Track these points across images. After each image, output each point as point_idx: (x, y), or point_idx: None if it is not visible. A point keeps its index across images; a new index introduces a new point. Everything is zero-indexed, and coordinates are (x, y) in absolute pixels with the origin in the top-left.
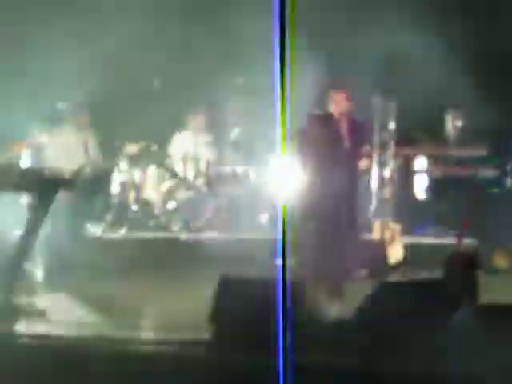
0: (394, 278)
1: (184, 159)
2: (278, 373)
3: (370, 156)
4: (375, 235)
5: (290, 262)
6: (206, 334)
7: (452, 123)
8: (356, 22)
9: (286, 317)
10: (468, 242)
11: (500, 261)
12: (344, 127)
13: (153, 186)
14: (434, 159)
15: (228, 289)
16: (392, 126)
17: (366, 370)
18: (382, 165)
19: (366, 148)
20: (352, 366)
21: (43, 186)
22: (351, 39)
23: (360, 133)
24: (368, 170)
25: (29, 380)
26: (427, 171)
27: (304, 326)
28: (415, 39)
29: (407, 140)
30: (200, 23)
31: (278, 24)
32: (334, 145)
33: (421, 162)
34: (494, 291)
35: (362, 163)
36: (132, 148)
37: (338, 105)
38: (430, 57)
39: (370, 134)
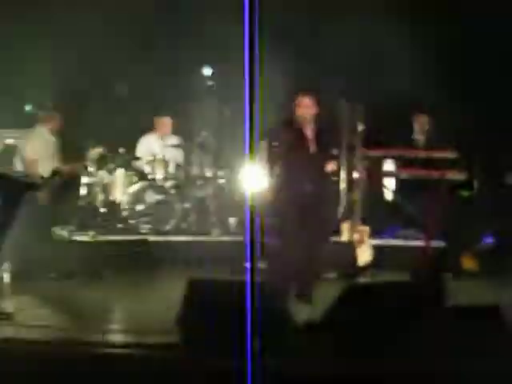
0: (362, 279)
1: (152, 162)
2: (247, 375)
3: (337, 159)
4: (344, 237)
5: (258, 264)
6: (173, 337)
7: (421, 125)
8: (322, 23)
9: (254, 319)
10: (436, 244)
11: (467, 263)
12: (309, 132)
13: (121, 188)
14: (402, 161)
15: (196, 291)
16: (360, 128)
17: (334, 371)
18: (350, 167)
19: (333, 152)
20: (321, 367)
21: (11, 188)
22: (318, 41)
23: (326, 137)
24: (336, 173)
25: None
26: (395, 173)
27: (273, 328)
28: (382, 40)
29: (375, 142)
30: (168, 23)
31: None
32: (299, 149)
33: (389, 165)
34: (462, 293)
35: (329, 167)
36: (96, 151)
37: (302, 109)
38: (398, 58)
39: (338, 137)
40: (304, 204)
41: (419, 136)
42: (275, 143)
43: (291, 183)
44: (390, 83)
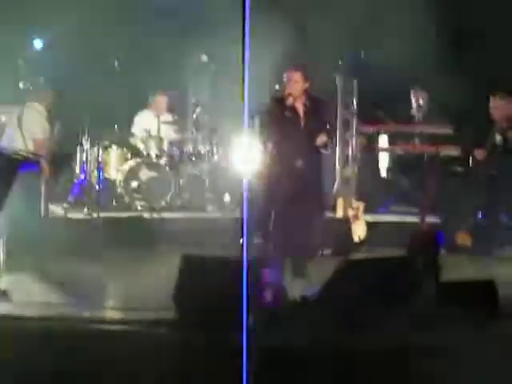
0: (357, 255)
1: (146, 139)
2: (242, 351)
3: (330, 134)
4: (339, 213)
5: (253, 240)
6: (169, 313)
7: (415, 100)
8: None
9: (249, 295)
10: (431, 219)
11: (462, 238)
12: (300, 107)
13: (115, 165)
14: (397, 137)
15: (191, 268)
16: (354, 103)
17: (329, 347)
18: (344, 143)
19: (326, 127)
20: (316, 343)
21: (4, 165)
22: (314, 15)
23: (318, 112)
24: (330, 149)
25: None
26: (390, 149)
27: (267, 304)
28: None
29: (370, 118)
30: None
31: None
32: (289, 125)
33: (384, 140)
34: (456, 268)
35: (321, 141)
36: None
37: (292, 84)
38: (395, 32)
39: (331, 112)
40: (296, 179)
41: (416, 112)
42: (267, 119)
43: (283, 158)
44: (386, 58)
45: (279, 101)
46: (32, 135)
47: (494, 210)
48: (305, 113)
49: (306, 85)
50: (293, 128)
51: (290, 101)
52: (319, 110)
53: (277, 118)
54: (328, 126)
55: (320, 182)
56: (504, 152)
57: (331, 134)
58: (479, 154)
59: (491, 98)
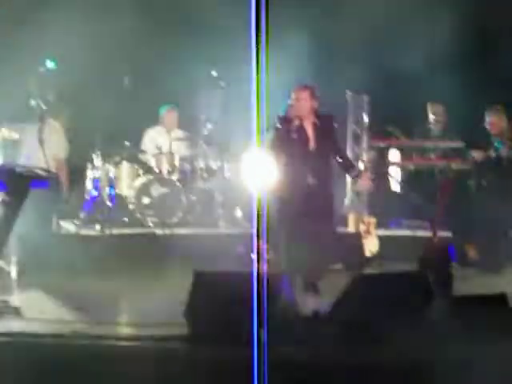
0: (369, 270)
1: (158, 155)
2: (253, 365)
3: (340, 151)
4: (350, 228)
5: (265, 255)
6: (181, 329)
7: (431, 114)
8: (331, 15)
9: (261, 311)
10: (443, 233)
11: (472, 252)
12: (308, 126)
13: (127, 181)
14: (408, 152)
15: (203, 284)
16: (365, 119)
17: (342, 361)
18: (355, 158)
19: (336, 143)
20: (327, 358)
21: (16, 183)
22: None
23: (327, 130)
24: (341, 166)
25: (3, 378)
26: (402, 163)
27: (280, 320)
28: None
29: (381, 133)
30: (172, 18)
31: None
32: (300, 145)
33: (395, 155)
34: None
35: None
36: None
37: (301, 104)
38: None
39: (340, 128)
40: (307, 196)
41: (433, 125)
42: (275, 140)
43: (293, 177)
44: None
45: (286, 120)
46: (54, 154)
47: (497, 223)
48: (314, 131)
49: (315, 103)
50: (302, 148)
51: (297, 122)
52: (328, 127)
53: (284, 139)
54: (338, 144)
55: (331, 198)
56: (498, 166)
57: (343, 152)
58: (477, 155)
59: (486, 113)
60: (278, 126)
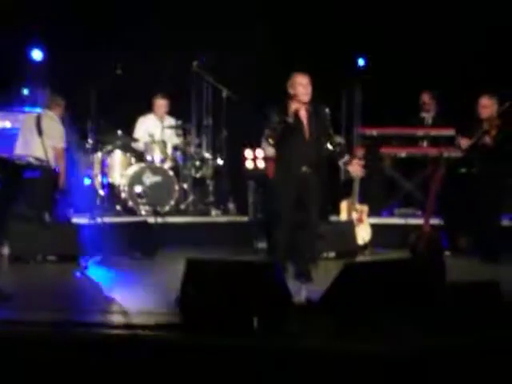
0: (361, 258)
1: (150, 143)
2: (248, 354)
3: (334, 138)
4: (343, 216)
5: (259, 244)
6: (173, 318)
7: (423, 103)
8: None
9: (253, 299)
10: (435, 222)
11: (463, 241)
12: (303, 114)
13: (119, 170)
14: (401, 139)
15: (195, 272)
16: (359, 107)
17: (334, 350)
18: (348, 146)
19: (329, 131)
20: (320, 346)
21: (8, 171)
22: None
23: (319, 117)
24: (333, 152)
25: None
26: (394, 152)
27: (274, 307)
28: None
29: (375, 121)
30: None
31: None
32: (294, 133)
33: (387, 143)
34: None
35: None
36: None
37: (301, 89)
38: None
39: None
40: (301, 184)
41: (425, 114)
42: (273, 125)
43: (288, 164)
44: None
45: (283, 109)
46: (53, 144)
47: (487, 211)
48: (308, 119)
49: (311, 89)
50: (297, 135)
51: (295, 109)
52: (321, 115)
53: (281, 127)
54: (330, 131)
55: (324, 186)
56: (488, 152)
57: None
58: (463, 142)
59: (480, 98)
60: (276, 114)
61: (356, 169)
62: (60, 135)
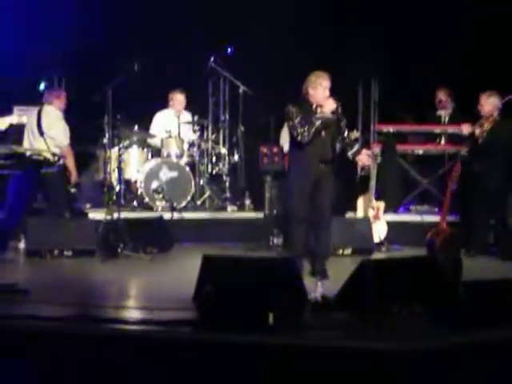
0: (378, 255)
1: (167, 139)
2: (263, 350)
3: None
4: (359, 213)
5: (275, 240)
6: (190, 314)
7: (440, 100)
8: None
9: (270, 295)
10: (451, 219)
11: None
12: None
13: (136, 165)
14: (417, 136)
15: (212, 268)
16: (375, 104)
17: (350, 346)
18: (364, 142)
19: (343, 130)
20: (336, 343)
21: (26, 166)
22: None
23: (335, 115)
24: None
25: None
26: (411, 148)
27: (290, 304)
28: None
29: (391, 118)
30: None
31: None
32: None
33: (404, 140)
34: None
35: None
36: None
37: (323, 92)
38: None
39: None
40: (316, 181)
41: (441, 111)
42: (305, 122)
43: (305, 162)
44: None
45: (304, 105)
46: (56, 144)
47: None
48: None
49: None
50: (315, 135)
51: (324, 107)
52: (336, 113)
53: (300, 121)
54: (345, 129)
55: (339, 183)
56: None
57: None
58: (465, 127)
59: (481, 95)
60: (296, 109)
61: (364, 158)
62: (62, 132)
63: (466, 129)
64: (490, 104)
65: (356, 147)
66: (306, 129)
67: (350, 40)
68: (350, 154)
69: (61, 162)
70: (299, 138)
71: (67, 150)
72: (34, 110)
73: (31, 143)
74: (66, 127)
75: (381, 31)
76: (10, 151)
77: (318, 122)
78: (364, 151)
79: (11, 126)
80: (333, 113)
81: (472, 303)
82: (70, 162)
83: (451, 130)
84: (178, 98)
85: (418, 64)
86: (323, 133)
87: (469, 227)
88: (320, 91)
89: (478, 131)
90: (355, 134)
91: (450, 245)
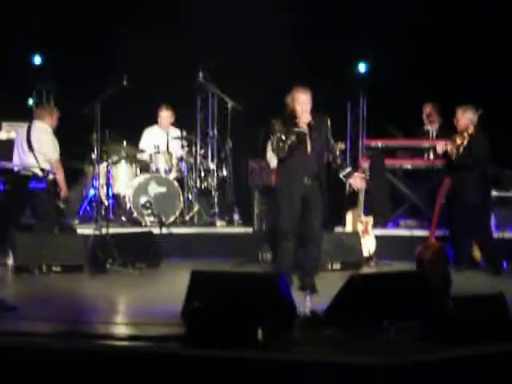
0: (367, 269)
1: (155, 154)
2: (253, 366)
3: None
4: (348, 227)
5: (264, 255)
6: (178, 329)
7: (427, 115)
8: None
9: (258, 311)
10: (440, 233)
11: (476, 253)
12: (304, 126)
13: (125, 180)
14: (406, 151)
15: (200, 283)
16: (364, 119)
17: (339, 362)
18: (353, 157)
19: (330, 143)
20: (325, 358)
21: (14, 182)
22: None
23: (320, 129)
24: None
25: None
26: (399, 163)
27: (279, 319)
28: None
29: (379, 133)
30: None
31: None
32: (298, 148)
33: (393, 154)
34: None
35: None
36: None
37: (301, 106)
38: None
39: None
40: (303, 196)
41: (429, 126)
42: (281, 137)
43: (290, 177)
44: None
45: (286, 120)
46: (46, 158)
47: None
48: (310, 131)
49: (311, 105)
50: (300, 147)
51: (298, 123)
52: (322, 128)
53: (291, 138)
54: (332, 143)
55: (328, 197)
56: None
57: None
58: (438, 146)
59: (457, 110)
60: (277, 125)
61: (357, 182)
62: (52, 147)
63: (439, 147)
64: (465, 118)
65: (348, 169)
66: (281, 144)
67: (339, 53)
68: (342, 175)
69: (50, 177)
70: (275, 152)
71: (57, 164)
72: (23, 126)
73: (21, 158)
74: (56, 142)
75: (369, 45)
76: None
77: (293, 137)
78: (356, 174)
79: (0, 142)
80: (308, 126)
81: (461, 317)
82: (60, 177)
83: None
84: (165, 115)
85: (406, 78)
86: (303, 147)
87: (456, 241)
88: (297, 105)
89: (449, 148)
90: (340, 146)
91: (438, 259)
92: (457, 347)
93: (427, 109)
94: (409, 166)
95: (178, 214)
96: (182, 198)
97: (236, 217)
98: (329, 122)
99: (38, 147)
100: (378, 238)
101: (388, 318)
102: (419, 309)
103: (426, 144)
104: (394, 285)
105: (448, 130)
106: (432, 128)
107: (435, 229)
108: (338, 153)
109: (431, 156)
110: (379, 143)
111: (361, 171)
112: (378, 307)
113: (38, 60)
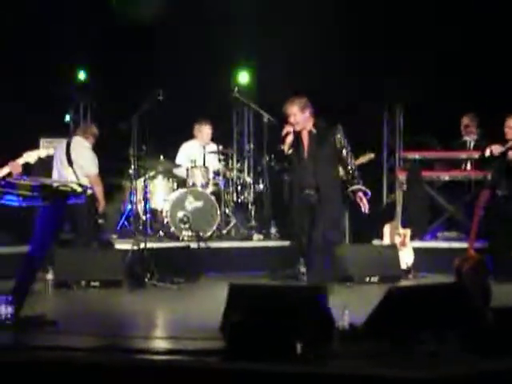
0: (405, 282)
1: (192, 168)
2: (292, 380)
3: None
4: (385, 240)
5: (301, 268)
6: (217, 343)
7: (466, 126)
8: None
9: (298, 324)
10: (479, 245)
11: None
12: (305, 136)
13: (162, 195)
14: (443, 163)
15: (239, 297)
16: (400, 129)
17: (380, 375)
18: (389, 169)
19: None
20: (364, 372)
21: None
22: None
23: (321, 140)
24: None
25: None
26: (437, 175)
27: (318, 333)
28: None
29: (417, 144)
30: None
31: None
32: (298, 154)
33: (430, 166)
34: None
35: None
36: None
37: (292, 118)
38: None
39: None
40: (307, 207)
41: (467, 137)
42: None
43: (294, 189)
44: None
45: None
46: (84, 172)
47: None
48: (309, 142)
49: (307, 114)
50: (300, 157)
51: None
52: (328, 138)
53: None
54: (343, 155)
55: (334, 207)
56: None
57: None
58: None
59: (507, 118)
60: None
61: (361, 202)
62: (91, 161)
63: (495, 150)
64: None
65: (355, 186)
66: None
67: (375, 66)
68: (348, 190)
69: (88, 192)
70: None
71: (96, 179)
72: (62, 142)
73: (60, 173)
74: (95, 156)
75: (407, 57)
76: (37, 183)
77: (285, 147)
78: (360, 195)
79: (40, 159)
80: (309, 137)
81: (502, 329)
82: (99, 191)
83: (477, 155)
84: (207, 130)
85: (444, 89)
86: (301, 158)
87: (496, 253)
88: (288, 119)
89: (510, 153)
90: (369, 156)
91: (478, 271)
92: (497, 359)
93: (465, 120)
94: (446, 178)
95: (215, 228)
96: (218, 212)
97: (273, 230)
98: (339, 134)
99: (77, 161)
100: (415, 250)
101: (427, 330)
102: (459, 321)
103: (463, 155)
104: (433, 297)
105: (486, 140)
106: (470, 139)
107: (474, 240)
108: (350, 166)
109: (468, 167)
110: (416, 155)
111: (398, 184)
112: (417, 319)
113: (81, 75)
